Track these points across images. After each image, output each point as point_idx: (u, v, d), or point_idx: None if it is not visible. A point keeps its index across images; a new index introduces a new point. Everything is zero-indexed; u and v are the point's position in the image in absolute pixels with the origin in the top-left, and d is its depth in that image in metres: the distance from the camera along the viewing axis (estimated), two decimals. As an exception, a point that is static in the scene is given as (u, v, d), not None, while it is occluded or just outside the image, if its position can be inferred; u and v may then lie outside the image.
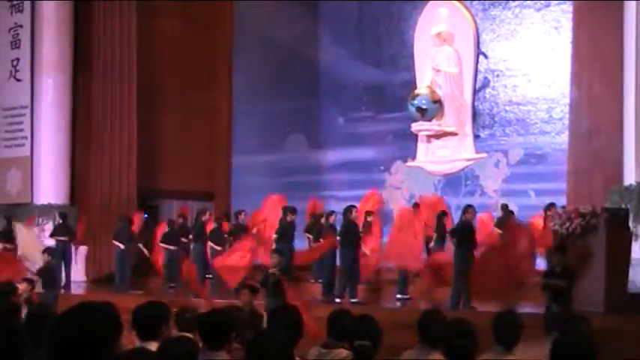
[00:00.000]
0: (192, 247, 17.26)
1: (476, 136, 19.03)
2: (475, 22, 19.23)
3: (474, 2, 19.30)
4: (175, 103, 21.41)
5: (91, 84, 20.49)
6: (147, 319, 5.37)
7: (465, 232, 12.99)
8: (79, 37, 20.62)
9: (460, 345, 4.76)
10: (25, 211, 19.68)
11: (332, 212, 15.91)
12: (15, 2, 20.45)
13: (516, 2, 18.73)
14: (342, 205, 15.45)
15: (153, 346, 4.71)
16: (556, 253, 11.00)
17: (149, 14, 20.86)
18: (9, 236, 18.33)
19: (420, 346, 5.58)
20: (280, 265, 12.35)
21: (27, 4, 20.24)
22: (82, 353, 2.74)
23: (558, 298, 10.31)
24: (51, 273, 14.83)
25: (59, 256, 16.96)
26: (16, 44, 20.37)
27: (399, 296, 14.49)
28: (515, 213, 16.07)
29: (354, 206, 14.82)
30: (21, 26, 20.33)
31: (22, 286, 11.48)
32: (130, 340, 5.15)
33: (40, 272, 14.56)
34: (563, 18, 17.48)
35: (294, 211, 15.62)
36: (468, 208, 13.36)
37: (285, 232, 15.32)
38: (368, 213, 15.90)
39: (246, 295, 9.56)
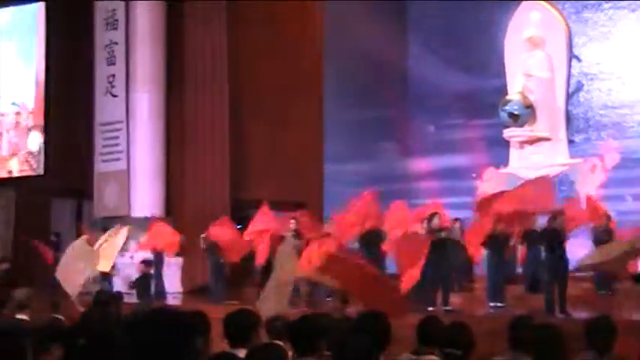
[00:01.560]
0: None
1: (570, 141, 18.73)
2: (567, 25, 18.95)
3: (566, 5, 19.01)
4: (266, 113, 21.52)
5: (184, 96, 20.81)
6: (237, 326, 5.46)
7: (555, 238, 12.78)
8: (172, 50, 21.02)
9: (547, 351, 4.68)
10: (122, 223, 20.07)
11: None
12: (110, 20, 20.97)
13: (610, 3, 18.40)
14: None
15: (242, 353, 4.76)
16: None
17: (240, 25, 21.08)
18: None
19: (511, 353, 5.52)
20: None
21: (121, 21, 20.74)
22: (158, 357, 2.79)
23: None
24: (146, 284, 15.10)
25: (156, 267, 17.27)
26: (111, 61, 20.88)
27: (492, 304, 14.30)
28: (613, 218, 15.77)
29: (436, 213, 14.71)
30: (116, 43, 20.83)
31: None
32: (221, 348, 5.23)
33: (136, 283, 14.84)
34: (658, 18, 17.12)
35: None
36: (558, 213, 13.15)
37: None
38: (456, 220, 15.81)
39: (336, 304, 9.57)
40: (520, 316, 5.94)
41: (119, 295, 12.48)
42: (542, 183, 13.80)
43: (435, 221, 14.40)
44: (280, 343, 5.94)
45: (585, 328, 5.29)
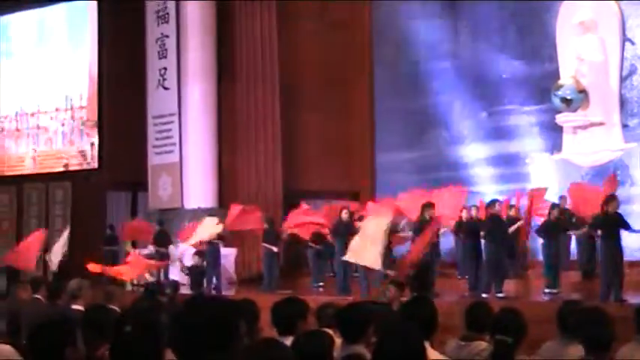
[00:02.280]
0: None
1: (624, 126, 18.46)
2: (620, 7, 18.66)
3: (618, -13, 18.75)
4: (317, 103, 21.59)
5: (235, 88, 20.95)
6: (284, 315, 5.52)
7: (610, 224, 12.64)
8: (222, 42, 21.18)
9: (595, 334, 4.65)
10: (176, 215, 20.31)
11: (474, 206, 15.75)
12: (161, 13, 21.17)
13: (664, -16, 18.10)
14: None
15: (289, 341, 4.80)
16: None
17: (289, 16, 21.16)
18: (161, 241, 18.94)
19: (560, 338, 5.50)
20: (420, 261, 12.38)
21: (172, 15, 20.93)
22: (204, 340, 2.85)
23: None
24: (199, 274, 15.25)
25: (209, 258, 17.42)
26: (163, 54, 21.09)
27: (547, 290, 14.21)
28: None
29: (497, 200, 14.67)
30: (167, 36, 21.04)
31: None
32: (271, 335, 5.29)
33: (189, 273, 14.99)
34: None
35: (432, 205, 15.49)
36: (611, 199, 12.99)
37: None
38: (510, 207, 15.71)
39: (392, 291, 9.57)
40: (569, 301, 5.91)
41: (175, 284, 12.67)
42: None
43: (496, 207, 14.36)
44: (329, 330, 5.98)
45: (636, 314, 5.24)
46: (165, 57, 21.06)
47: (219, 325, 2.93)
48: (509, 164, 20.02)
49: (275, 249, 17.19)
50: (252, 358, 2.84)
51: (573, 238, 15.90)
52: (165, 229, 19.31)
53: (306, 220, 17.10)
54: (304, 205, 17.91)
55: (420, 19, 21.77)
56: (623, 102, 18.48)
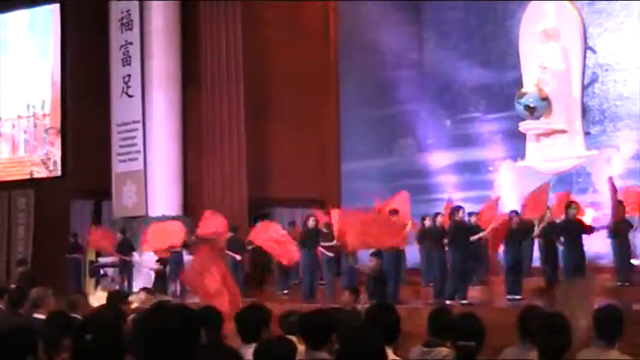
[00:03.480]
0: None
1: (586, 133, 18.68)
2: (581, 16, 18.89)
3: (580, -4, 18.97)
4: (284, 112, 21.61)
5: (200, 96, 20.89)
6: (248, 322, 5.52)
7: (572, 230, 12.78)
8: (187, 50, 21.11)
9: (553, 341, 4.69)
10: (141, 223, 20.21)
11: (438, 214, 15.80)
12: (125, 21, 21.07)
13: (624, -6, 18.33)
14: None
15: (253, 348, 4.80)
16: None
17: (254, 24, 21.14)
18: (124, 249, 18.86)
19: (520, 344, 5.54)
20: (377, 268, 12.39)
21: (136, 22, 20.83)
22: (164, 348, 2.87)
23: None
24: (162, 282, 15.19)
25: (172, 265, 17.37)
26: (127, 61, 20.99)
27: (509, 297, 14.31)
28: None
29: (461, 207, 14.76)
30: (131, 43, 20.94)
31: (141, 295, 11.80)
32: (236, 343, 5.28)
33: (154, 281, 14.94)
34: (672, 7, 17.02)
35: (397, 212, 15.58)
36: (571, 205, 13.14)
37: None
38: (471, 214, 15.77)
39: (347, 296, 9.62)
40: (528, 306, 5.95)
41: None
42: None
43: (460, 214, 14.44)
44: (293, 337, 5.99)
45: (594, 319, 5.30)
46: (130, 64, 20.95)
47: (178, 333, 2.95)
48: (473, 171, 20.18)
49: (238, 257, 17.18)
50: None
51: (537, 244, 16.03)
52: (129, 237, 19.21)
53: (270, 236, 16.94)
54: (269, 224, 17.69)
55: (386, 27, 21.87)
56: (585, 110, 18.70)
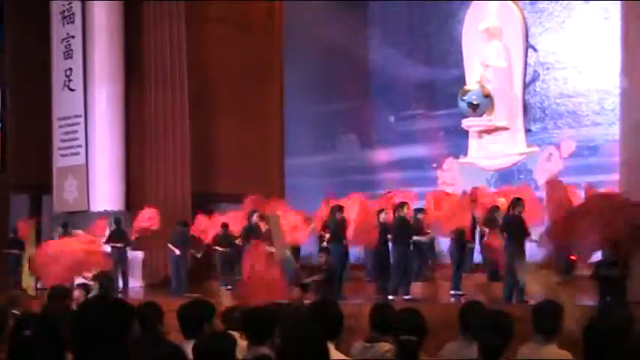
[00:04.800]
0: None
1: (527, 130, 18.89)
2: (523, 15, 19.10)
3: (522, -5, 19.19)
4: (228, 107, 21.55)
5: (143, 91, 20.72)
6: (190, 317, 5.51)
7: (514, 226, 12.93)
8: (130, 45, 20.92)
9: (492, 336, 4.74)
10: (82, 218, 20.01)
11: (382, 210, 15.85)
12: (66, 14, 20.80)
13: (564, -6, 18.58)
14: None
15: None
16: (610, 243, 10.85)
17: (199, 20, 21.03)
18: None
19: (461, 339, 5.59)
20: (328, 264, 12.41)
21: (78, 15, 20.57)
22: (96, 341, 2.88)
23: (612, 289, 10.19)
24: (106, 278, 15.00)
25: (115, 261, 17.23)
26: (68, 54, 20.72)
27: (452, 292, 14.44)
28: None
29: (405, 203, 14.82)
30: (73, 37, 20.68)
31: (77, 292, 11.69)
32: (178, 339, 5.26)
33: (96, 277, 14.75)
34: (612, 7, 17.20)
35: (342, 209, 15.60)
36: (517, 202, 13.30)
37: (337, 231, 15.27)
38: (419, 210, 15.85)
39: (297, 292, 9.65)
40: (469, 302, 6.02)
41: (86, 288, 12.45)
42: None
43: (405, 210, 14.49)
44: (235, 333, 5.98)
45: (532, 313, 5.37)
46: (71, 57, 20.69)
47: (108, 326, 2.97)
48: (416, 168, 20.30)
49: (177, 251, 17.16)
50: (140, 357, 2.85)
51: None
52: (70, 232, 18.99)
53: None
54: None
55: (331, 23, 21.91)
56: (526, 107, 18.91)
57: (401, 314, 5.54)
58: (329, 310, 5.22)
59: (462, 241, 14.79)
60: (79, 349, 2.97)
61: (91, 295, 11.41)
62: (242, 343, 5.55)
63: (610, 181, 15.78)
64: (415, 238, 14.66)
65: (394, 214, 14.76)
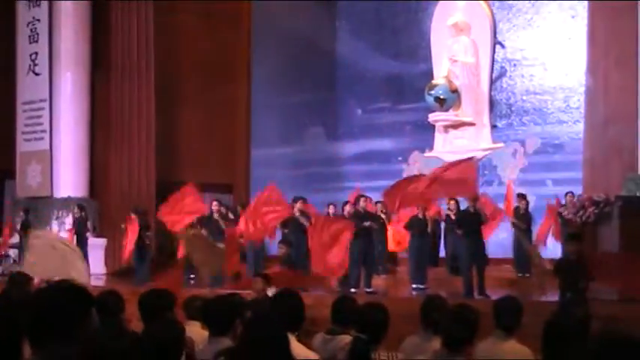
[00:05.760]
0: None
1: (493, 126, 19.02)
2: (492, 11, 19.21)
3: (491, -8, 19.28)
4: (194, 97, 21.49)
5: (110, 78, 20.56)
6: (150, 306, 5.46)
7: (472, 221, 13.01)
8: (97, 31, 20.70)
9: (453, 332, 4.77)
10: (45, 204, 19.85)
11: (347, 202, 15.85)
12: (33, -4, 20.57)
13: (533, -9, 18.70)
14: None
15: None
16: (571, 241, 10.91)
17: (167, 9, 20.87)
18: (28, 229, 18.47)
19: (422, 332, 5.61)
20: (287, 255, 12.40)
21: (44, -2, 20.36)
22: (51, 329, 2.85)
23: (572, 285, 10.25)
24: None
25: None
26: (34, 38, 20.47)
27: (414, 286, 14.49)
28: (533, 202, 16.17)
29: (363, 195, 14.83)
30: (38, 20, 20.42)
31: (37, 279, 11.58)
32: (138, 327, 5.22)
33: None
34: (579, 6, 17.39)
35: (304, 200, 15.60)
36: (476, 198, 13.37)
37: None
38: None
39: (259, 284, 9.61)
40: (431, 296, 6.03)
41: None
42: (466, 166, 13.84)
43: (361, 204, 14.49)
44: (197, 323, 5.96)
45: (493, 308, 5.40)
46: (37, 42, 20.44)
47: (64, 314, 2.94)
48: (382, 161, 20.37)
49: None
50: (93, 346, 2.82)
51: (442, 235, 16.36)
52: (31, 217, 18.83)
53: (184, 208, 16.73)
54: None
55: (299, 15, 21.89)
56: (492, 103, 19.03)
57: (363, 308, 5.54)
58: (291, 302, 5.22)
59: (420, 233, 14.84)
60: (34, 337, 2.93)
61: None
62: (203, 333, 5.54)
63: (573, 179, 15.95)
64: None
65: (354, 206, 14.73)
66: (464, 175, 13.23)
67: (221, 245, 14.99)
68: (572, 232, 11.48)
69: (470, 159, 14.18)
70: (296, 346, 4.73)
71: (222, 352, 4.48)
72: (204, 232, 15.90)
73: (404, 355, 5.41)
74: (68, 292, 3.02)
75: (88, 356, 2.78)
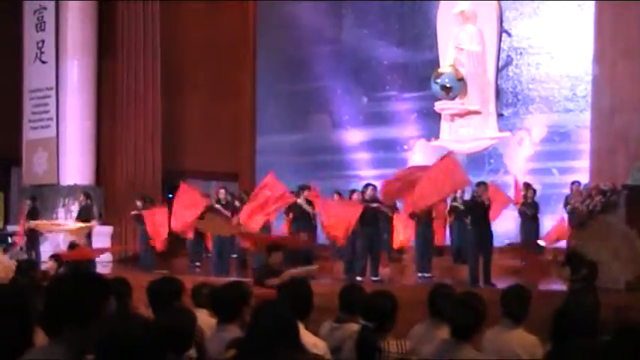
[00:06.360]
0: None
1: (499, 115, 18.96)
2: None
3: (497, -20, 19.20)
4: (200, 85, 21.51)
5: (116, 66, 20.58)
6: (159, 294, 5.49)
7: (479, 210, 13.01)
8: (103, 18, 20.70)
9: (462, 318, 4.77)
10: (51, 191, 19.88)
11: (354, 190, 15.85)
12: (39, -16, 20.56)
13: (540, -21, 18.63)
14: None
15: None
16: (578, 230, 10.94)
17: (173, -3, 20.91)
18: (36, 216, 18.51)
19: (429, 321, 5.63)
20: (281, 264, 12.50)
21: (51, -14, 20.35)
22: (69, 317, 2.86)
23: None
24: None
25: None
26: (41, 26, 20.48)
27: (419, 274, 14.49)
28: (539, 191, 16.19)
29: (370, 184, 14.83)
30: (45, 8, 20.43)
31: (49, 264, 11.65)
32: (145, 313, 5.24)
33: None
34: (586, -5, 17.33)
35: (309, 189, 15.63)
36: (480, 185, 13.35)
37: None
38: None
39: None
40: (438, 284, 6.04)
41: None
42: (446, 162, 13.82)
43: (369, 192, 14.50)
44: (204, 311, 5.98)
45: (501, 297, 5.41)
46: (44, 30, 20.45)
47: (79, 300, 2.96)
48: (388, 149, 20.33)
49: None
50: (107, 332, 2.83)
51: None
52: (38, 205, 18.86)
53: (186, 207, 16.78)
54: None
55: (304, 2, 21.84)
56: (498, 92, 18.98)
57: (370, 297, 5.54)
58: (299, 290, 5.24)
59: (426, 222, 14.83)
60: (49, 325, 2.94)
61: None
62: (211, 320, 5.56)
63: (580, 168, 15.95)
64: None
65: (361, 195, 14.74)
66: (448, 170, 13.26)
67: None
68: (579, 222, 11.49)
69: (446, 155, 14.12)
70: (304, 335, 4.75)
71: (233, 343, 4.49)
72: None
73: (411, 343, 5.43)
74: (87, 280, 3.03)
75: (104, 342, 2.80)
